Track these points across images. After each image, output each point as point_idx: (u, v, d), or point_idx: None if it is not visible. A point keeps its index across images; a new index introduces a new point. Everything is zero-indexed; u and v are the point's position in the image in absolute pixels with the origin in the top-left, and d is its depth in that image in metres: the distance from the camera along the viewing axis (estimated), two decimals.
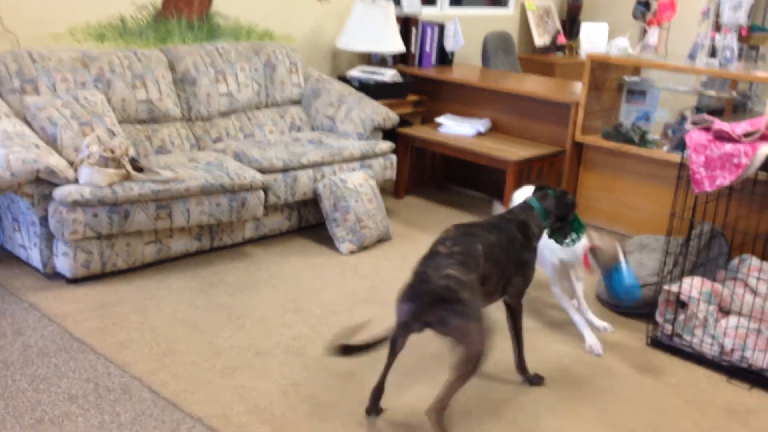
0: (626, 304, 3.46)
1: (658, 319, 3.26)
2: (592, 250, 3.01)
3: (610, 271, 2.95)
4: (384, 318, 3.14)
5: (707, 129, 3.27)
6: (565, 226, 2.88)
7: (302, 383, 2.79)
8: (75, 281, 3.45)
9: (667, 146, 4.40)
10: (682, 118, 4.61)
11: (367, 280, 3.73)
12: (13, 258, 3.67)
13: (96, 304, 3.28)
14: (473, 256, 2.51)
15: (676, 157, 4.12)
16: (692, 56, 4.48)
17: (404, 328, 2.43)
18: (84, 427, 2.45)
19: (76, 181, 3.37)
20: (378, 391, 2.63)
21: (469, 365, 2.35)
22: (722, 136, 3.18)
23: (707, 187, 3.17)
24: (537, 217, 2.80)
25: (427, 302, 2.33)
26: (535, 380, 2.91)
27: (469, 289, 2.40)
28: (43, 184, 3.31)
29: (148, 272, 3.63)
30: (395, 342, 2.55)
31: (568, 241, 2.89)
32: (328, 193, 4.07)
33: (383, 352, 2.56)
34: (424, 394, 2.75)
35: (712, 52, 4.45)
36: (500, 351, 3.04)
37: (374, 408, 2.63)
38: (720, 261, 3.56)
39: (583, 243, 3.06)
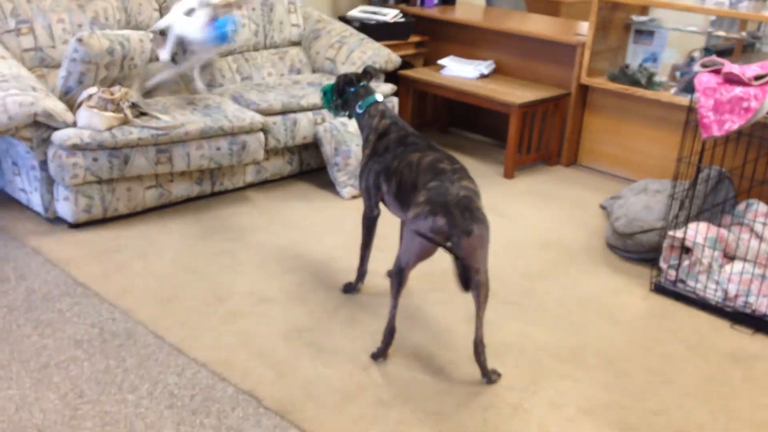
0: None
1: (662, 264, 3.25)
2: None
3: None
4: (387, 262, 3.13)
5: (717, 71, 3.20)
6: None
7: (305, 329, 2.80)
8: (77, 226, 3.43)
9: (674, 88, 4.33)
10: (691, 60, 4.53)
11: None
12: (14, 202, 3.65)
13: (98, 249, 3.27)
14: (467, 171, 2.61)
15: (683, 99, 4.06)
16: None
17: (424, 249, 2.42)
18: (89, 372, 2.47)
19: (74, 124, 3.32)
20: (390, 333, 2.62)
21: (484, 287, 2.45)
22: (732, 79, 3.12)
23: (716, 131, 3.12)
24: (390, 107, 3.03)
25: (454, 213, 2.34)
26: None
27: (480, 198, 2.49)
28: (41, 127, 3.26)
29: (149, 217, 3.61)
30: (402, 273, 2.50)
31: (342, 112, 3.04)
32: (329, 137, 4.02)
33: (383, 299, 2.57)
34: (424, 339, 2.76)
35: None
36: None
37: (384, 351, 2.64)
38: (726, 206, 3.54)
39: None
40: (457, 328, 2.85)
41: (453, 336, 2.81)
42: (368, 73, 3.02)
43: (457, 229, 2.32)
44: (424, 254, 2.46)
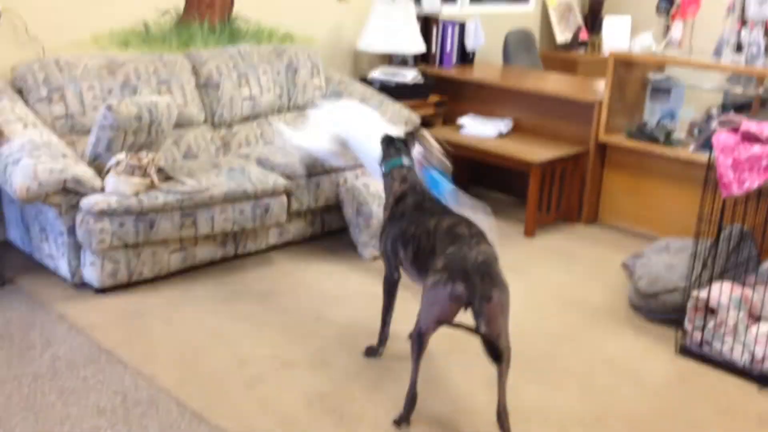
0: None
1: (687, 326, 3.22)
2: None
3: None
4: (410, 323, 3.13)
5: (734, 130, 3.22)
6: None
7: (328, 394, 2.80)
8: (102, 291, 3.47)
9: (693, 145, 4.34)
10: (709, 116, 4.55)
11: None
12: (41, 268, 3.71)
13: (123, 314, 3.31)
14: (485, 235, 2.61)
15: (702, 156, 4.07)
16: (718, 52, 4.41)
17: (445, 315, 2.41)
18: None
19: (103, 190, 3.40)
20: (413, 399, 2.61)
21: (507, 351, 2.44)
22: (750, 137, 3.13)
23: (735, 190, 3.13)
24: (415, 174, 2.96)
25: (473, 280, 2.34)
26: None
27: (498, 263, 2.48)
28: (70, 193, 3.34)
29: (173, 280, 3.65)
30: (422, 338, 2.51)
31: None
32: (351, 198, 4.07)
33: (406, 363, 2.57)
34: (446, 404, 2.75)
35: (738, 48, 4.37)
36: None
37: (407, 417, 2.62)
38: (749, 265, 3.51)
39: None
40: (479, 392, 2.84)
41: (476, 401, 2.79)
42: (410, 135, 3.08)
43: (478, 295, 2.33)
44: (442, 320, 2.47)
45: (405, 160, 2.96)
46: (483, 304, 2.33)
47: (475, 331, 2.32)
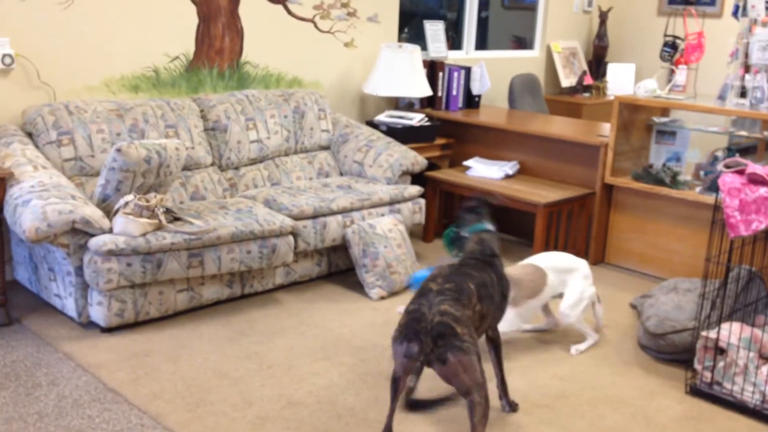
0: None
1: (697, 366, 3.19)
2: None
3: None
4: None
5: (740, 172, 3.24)
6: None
7: None
8: (109, 330, 3.47)
9: (699, 187, 4.36)
10: (714, 159, 4.57)
11: None
12: (48, 307, 3.72)
13: (129, 353, 3.30)
14: (465, 293, 2.57)
15: (709, 198, 4.08)
16: (722, 97, 4.46)
17: (404, 369, 2.46)
18: None
19: (111, 230, 3.42)
20: None
21: (480, 407, 2.40)
22: (756, 180, 3.15)
23: (743, 231, 3.13)
24: (496, 240, 2.92)
25: (425, 340, 2.38)
26: (516, 407, 2.96)
27: (464, 324, 2.45)
28: (78, 234, 3.36)
29: (180, 320, 3.65)
30: (397, 383, 2.54)
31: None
32: (357, 239, 4.08)
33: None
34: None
35: (742, 92, 4.42)
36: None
37: None
38: (758, 305, 3.49)
39: None
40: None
41: None
42: (482, 204, 3.05)
43: (432, 357, 2.38)
44: (406, 372, 2.50)
45: (488, 226, 2.96)
46: (438, 365, 2.39)
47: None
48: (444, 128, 5.37)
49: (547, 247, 4.57)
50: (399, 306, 3.91)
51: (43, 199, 3.29)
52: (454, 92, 5.56)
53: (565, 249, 4.71)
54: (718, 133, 4.76)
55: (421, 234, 5.16)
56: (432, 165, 5.18)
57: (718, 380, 3.12)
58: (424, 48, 5.59)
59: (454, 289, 2.55)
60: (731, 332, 3.13)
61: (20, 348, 3.32)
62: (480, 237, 2.90)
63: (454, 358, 2.37)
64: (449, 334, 2.38)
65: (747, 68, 4.38)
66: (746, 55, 4.37)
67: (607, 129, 4.84)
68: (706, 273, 3.24)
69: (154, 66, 4.40)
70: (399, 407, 2.99)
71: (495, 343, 2.91)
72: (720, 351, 3.15)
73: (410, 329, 2.42)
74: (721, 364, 3.12)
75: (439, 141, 5.27)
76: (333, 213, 4.13)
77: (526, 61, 6.83)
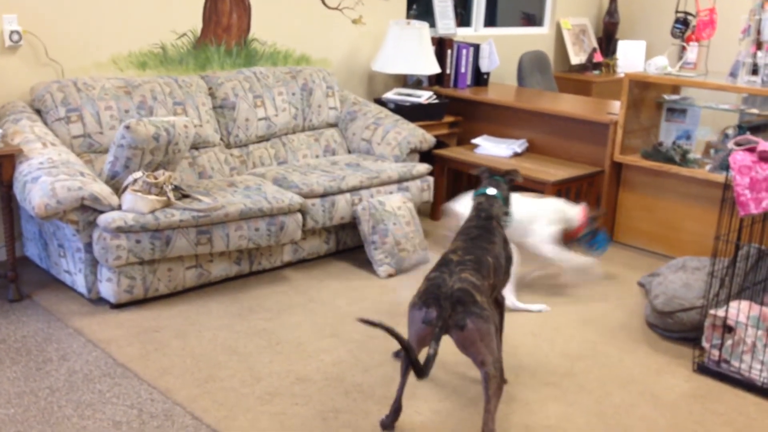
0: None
1: (705, 344, 3.19)
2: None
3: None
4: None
5: (751, 149, 3.21)
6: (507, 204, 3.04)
7: (342, 410, 2.79)
8: (118, 306, 3.49)
9: (709, 165, 4.33)
10: (725, 137, 4.54)
11: (405, 304, 3.70)
12: (58, 283, 3.74)
13: (139, 329, 3.32)
14: (485, 266, 2.59)
15: (719, 177, 4.06)
16: (733, 74, 4.42)
17: (419, 337, 2.44)
18: None
19: (120, 207, 3.43)
20: (397, 409, 2.64)
21: (495, 379, 2.40)
22: (767, 157, 3.12)
23: (753, 209, 3.11)
24: (502, 206, 2.94)
25: (444, 305, 2.37)
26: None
27: (484, 293, 2.48)
28: (87, 211, 3.37)
29: (188, 297, 3.66)
30: (409, 353, 2.46)
31: (506, 217, 3.01)
32: (367, 216, 4.08)
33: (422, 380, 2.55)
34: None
35: (754, 70, 4.37)
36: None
37: (391, 424, 2.65)
38: (767, 284, 3.48)
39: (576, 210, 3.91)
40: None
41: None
42: (510, 173, 3.11)
43: (451, 323, 2.37)
44: (422, 341, 2.47)
45: (490, 191, 2.97)
46: (456, 331, 2.38)
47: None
48: (452, 106, 5.35)
49: None
50: (400, 290, 3.89)
51: (52, 176, 3.30)
52: (463, 70, 5.53)
53: None
54: (729, 110, 4.72)
55: (429, 212, 5.16)
56: (440, 143, 5.16)
57: (726, 358, 3.13)
58: (432, 25, 5.55)
59: (475, 260, 2.58)
60: (740, 310, 3.12)
61: (31, 323, 3.34)
62: (478, 201, 2.94)
63: (473, 324, 2.36)
64: (469, 301, 2.39)
65: (759, 45, 4.33)
66: (758, 32, 4.32)
67: (616, 107, 4.81)
68: (715, 251, 3.23)
69: (162, 43, 4.38)
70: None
71: (500, 307, 2.91)
72: (728, 329, 3.15)
73: (430, 294, 2.41)
74: (728, 342, 3.12)
75: (448, 119, 5.25)
76: (342, 191, 4.13)
77: (536, 38, 6.78)
